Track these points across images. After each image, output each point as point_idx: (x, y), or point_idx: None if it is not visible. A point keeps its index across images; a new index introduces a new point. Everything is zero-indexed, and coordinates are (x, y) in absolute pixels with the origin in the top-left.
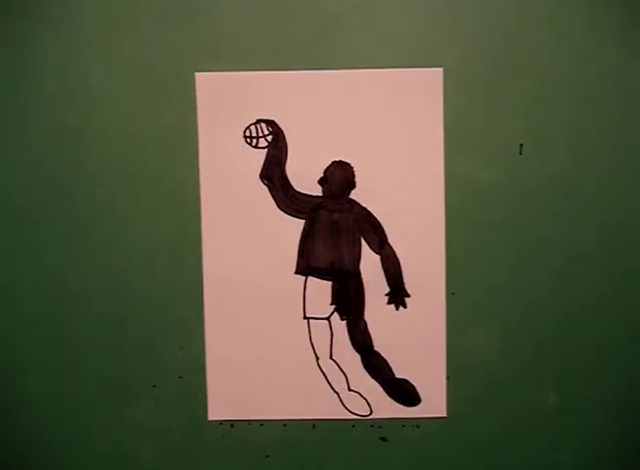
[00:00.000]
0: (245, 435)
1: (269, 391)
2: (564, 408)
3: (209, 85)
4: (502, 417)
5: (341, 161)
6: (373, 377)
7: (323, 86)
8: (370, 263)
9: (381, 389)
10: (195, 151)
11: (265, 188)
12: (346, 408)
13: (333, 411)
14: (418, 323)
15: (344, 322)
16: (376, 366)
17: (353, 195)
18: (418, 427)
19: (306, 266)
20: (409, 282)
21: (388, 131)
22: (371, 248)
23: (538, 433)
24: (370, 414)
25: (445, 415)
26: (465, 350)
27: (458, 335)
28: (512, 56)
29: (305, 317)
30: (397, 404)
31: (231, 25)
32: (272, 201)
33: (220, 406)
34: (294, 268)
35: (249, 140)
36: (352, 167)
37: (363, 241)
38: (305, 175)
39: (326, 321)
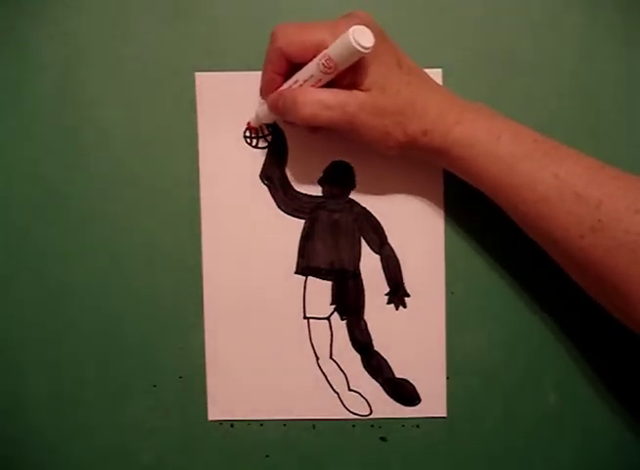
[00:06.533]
0: (245, 435)
1: (269, 391)
2: (564, 408)
3: (209, 85)
4: (502, 417)
5: (341, 161)
6: (373, 377)
7: None
8: (370, 263)
9: (381, 389)
10: (194, 151)
11: (265, 188)
12: (346, 408)
13: (333, 411)
14: (418, 323)
15: (344, 322)
16: (376, 366)
17: (353, 195)
18: (418, 427)
19: (306, 266)
20: (409, 282)
21: None
22: (371, 248)
23: (538, 433)
24: (370, 414)
25: (445, 415)
26: (465, 350)
27: (458, 335)
28: (512, 56)
29: (305, 317)
30: (397, 404)
31: (231, 25)
32: (272, 201)
33: (220, 406)
34: (294, 268)
35: (249, 140)
36: (352, 167)
37: (363, 241)
38: (305, 175)
39: (326, 321)
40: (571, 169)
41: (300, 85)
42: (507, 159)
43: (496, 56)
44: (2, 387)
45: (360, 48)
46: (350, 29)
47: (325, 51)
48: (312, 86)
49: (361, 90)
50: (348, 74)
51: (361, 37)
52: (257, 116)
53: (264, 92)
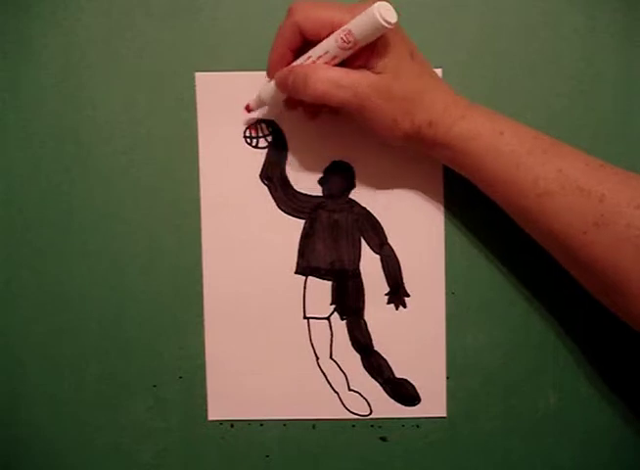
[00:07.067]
0: (245, 435)
1: (269, 391)
2: (564, 408)
3: (209, 85)
4: (502, 417)
5: (341, 161)
6: (373, 377)
7: None
8: (370, 263)
9: (381, 389)
10: (195, 151)
11: (265, 188)
12: (346, 408)
13: (333, 411)
14: (418, 323)
15: (344, 322)
16: (376, 366)
17: (353, 195)
18: (418, 427)
19: (306, 266)
20: (409, 282)
21: None
22: (371, 248)
23: (538, 433)
24: (370, 414)
25: (445, 415)
26: (465, 350)
27: (458, 335)
28: (512, 56)
29: (305, 317)
30: (397, 404)
31: (231, 25)
32: (272, 201)
33: (220, 406)
34: (294, 268)
35: (249, 140)
36: (352, 167)
37: (363, 241)
38: (305, 175)
39: (326, 321)
40: (572, 164)
41: (313, 62)
42: (509, 154)
43: (496, 56)
44: (2, 387)
45: (384, 23)
46: (375, 4)
47: (345, 26)
48: (326, 63)
49: (374, 73)
50: (362, 55)
51: (386, 12)
52: (260, 97)
53: (272, 69)
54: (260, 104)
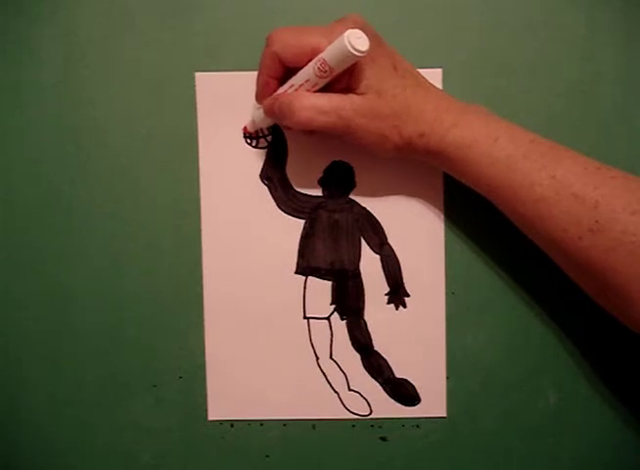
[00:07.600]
0: (245, 435)
1: (269, 391)
2: (564, 408)
3: (209, 85)
4: (502, 417)
5: (341, 161)
6: (373, 377)
7: None
8: (370, 263)
9: (381, 389)
10: (195, 151)
11: (265, 188)
12: (346, 408)
13: (333, 411)
14: (418, 323)
15: (344, 322)
16: (376, 366)
17: (353, 195)
18: (418, 427)
19: (306, 266)
20: (409, 282)
21: None
22: (371, 248)
23: (538, 433)
24: (370, 414)
25: (445, 415)
26: (465, 350)
27: (458, 335)
28: (512, 56)
29: (305, 317)
30: (397, 404)
31: (231, 25)
32: (272, 201)
33: (220, 406)
34: (294, 268)
35: (249, 140)
36: (352, 167)
37: (363, 241)
38: (305, 175)
39: (326, 321)
40: (568, 170)
41: (296, 90)
42: (504, 160)
43: (496, 56)
44: (2, 387)
45: (355, 52)
46: (345, 33)
47: (320, 55)
48: (308, 90)
49: (357, 94)
50: (344, 78)
51: (356, 41)
52: (254, 120)
53: (259, 96)
54: (256, 126)
